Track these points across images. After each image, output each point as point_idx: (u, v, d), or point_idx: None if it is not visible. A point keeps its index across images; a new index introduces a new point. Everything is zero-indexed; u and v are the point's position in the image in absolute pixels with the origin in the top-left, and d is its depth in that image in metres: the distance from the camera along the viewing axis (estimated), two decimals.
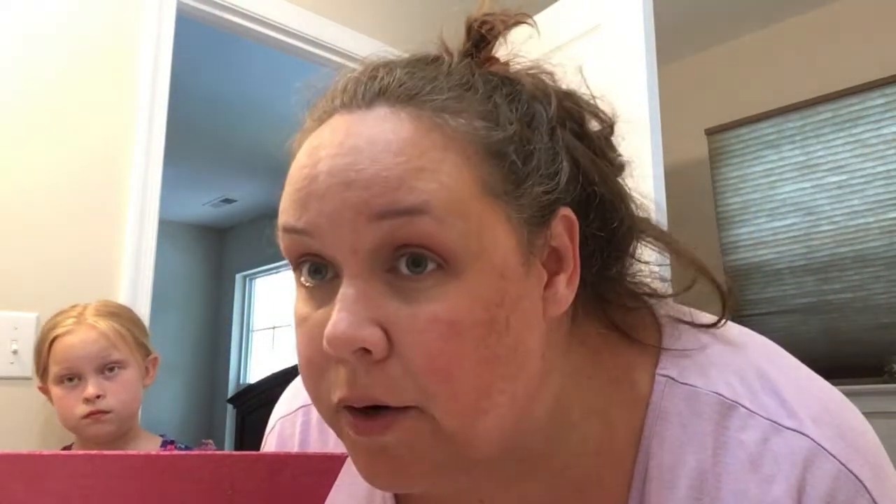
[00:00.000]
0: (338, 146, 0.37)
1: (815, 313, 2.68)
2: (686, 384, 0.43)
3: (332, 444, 0.52)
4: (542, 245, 0.40)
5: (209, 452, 0.47)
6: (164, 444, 1.24)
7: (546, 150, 0.40)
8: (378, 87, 0.39)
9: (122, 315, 1.23)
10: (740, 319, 3.31)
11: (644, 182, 1.78)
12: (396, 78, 0.39)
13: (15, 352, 1.36)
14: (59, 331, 1.18)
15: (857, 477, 0.38)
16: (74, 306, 1.24)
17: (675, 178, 2.77)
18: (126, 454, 0.42)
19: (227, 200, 5.75)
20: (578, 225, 0.41)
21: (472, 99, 0.39)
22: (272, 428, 0.57)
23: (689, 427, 0.42)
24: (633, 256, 0.46)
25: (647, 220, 0.47)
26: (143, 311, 1.52)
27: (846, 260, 2.64)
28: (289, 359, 5.71)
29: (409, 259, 0.36)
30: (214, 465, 0.45)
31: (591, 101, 0.45)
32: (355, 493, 0.50)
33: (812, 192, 2.75)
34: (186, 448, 1.26)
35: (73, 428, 1.18)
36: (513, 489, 0.44)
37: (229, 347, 6.10)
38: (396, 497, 0.49)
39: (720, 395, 0.42)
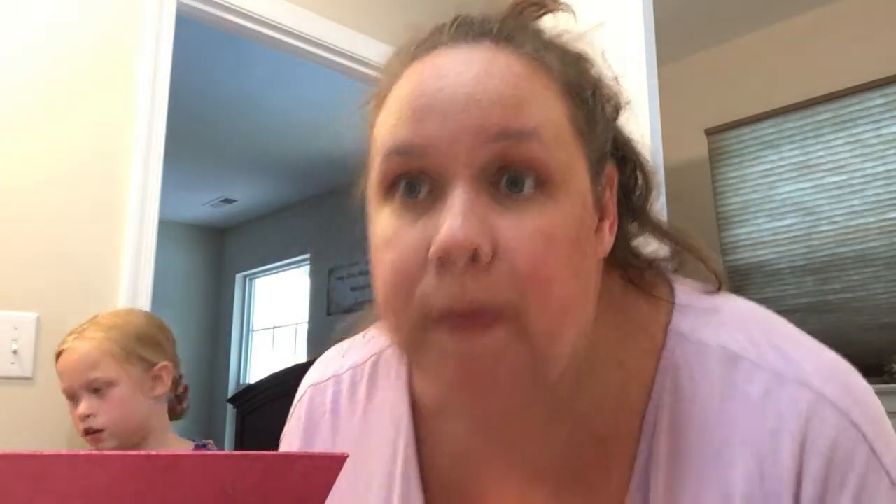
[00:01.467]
0: (456, 74, 0.40)
1: (815, 313, 2.68)
2: (696, 339, 0.45)
3: (359, 413, 0.54)
4: (600, 191, 0.44)
5: (209, 452, 0.47)
6: (197, 448, 1.24)
7: (601, 114, 0.45)
8: (481, 28, 0.43)
9: (120, 328, 1.21)
10: None
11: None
12: (495, 21, 0.43)
13: (15, 352, 1.36)
14: (61, 347, 1.20)
15: (858, 428, 0.40)
16: (93, 317, 1.25)
17: (675, 178, 2.77)
18: (126, 454, 0.42)
19: (227, 200, 5.75)
20: (619, 177, 0.46)
21: (555, 48, 0.44)
22: (301, 396, 0.58)
23: (697, 379, 0.43)
24: (648, 220, 0.50)
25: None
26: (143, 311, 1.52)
27: (846, 260, 2.64)
28: (288, 359, 5.72)
29: (510, 178, 0.39)
30: (214, 465, 0.45)
31: (615, 83, 0.49)
32: (382, 453, 0.52)
33: (812, 192, 2.75)
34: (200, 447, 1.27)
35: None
36: (539, 433, 0.46)
37: (229, 347, 6.10)
38: (420, 458, 0.50)
39: (727, 348, 0.44)
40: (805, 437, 0.40)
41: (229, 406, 4.98)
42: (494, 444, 0.48)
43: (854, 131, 2.68)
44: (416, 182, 0.40)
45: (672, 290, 0.49)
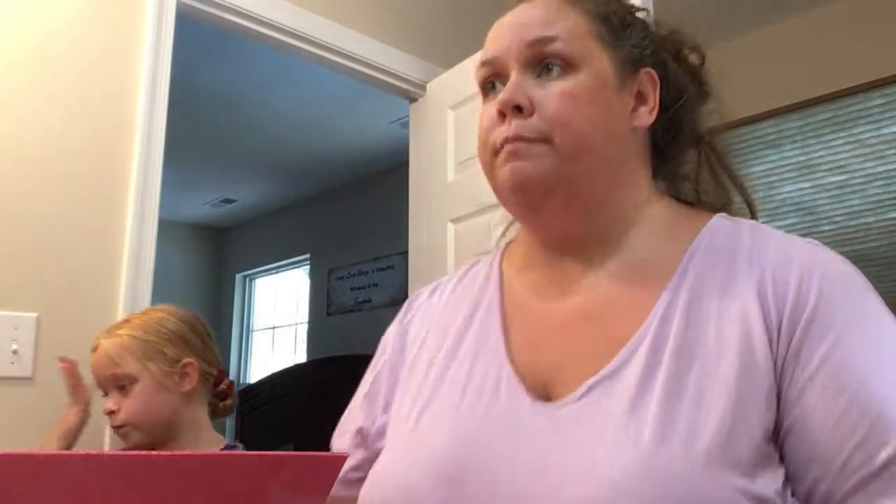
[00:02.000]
0: (514, 13, 0.67)
1: None
2: (734, 220, 0.66)
3: (454, 284, 0.77)
4: (631, 83, 0.66)
5: (209, 452, 0.47)
6: (225, 450, 1.23)
7: (638, 33, 0.68)
8: None
9: (145, 325, 1.22)
10: None
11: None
12: None
13: (15, 352, 1.36)
14: (93, 345, 1.22)
15: (860, 274, 0.59)
16: (127, 315, 1.28)
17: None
18: (126, 454, 0.42)
19: (227, 200, 5.75)
20: (658, 87, 0.67)
21: None
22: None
23: (731, 234, 0.63)
24: (682, 128, 0.71)
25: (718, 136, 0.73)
26: None
27: None
28: (288, 359, 5.72)
29: (544, 66, 0.63)
30: (214, 465, 0.45)
31: (685, 36, 0.74)
32: (473, 294, 0.72)
33: (812, 192, 2.75)
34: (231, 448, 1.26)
35: None
36: (597, 268, 0.65)
37: (229, 347, 6.10)
38: (501, 304, 0.69)
39: (756, 224, 0.66)
40: (812, 268, 0.57)
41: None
42: (564, 277, 0.66)
43: (854, 131, 2.67)
44: (494, 84, 0.67)
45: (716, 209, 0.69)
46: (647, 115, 0.66)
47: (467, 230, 2.00)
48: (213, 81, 3.59)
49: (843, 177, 2.68)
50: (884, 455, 0.49)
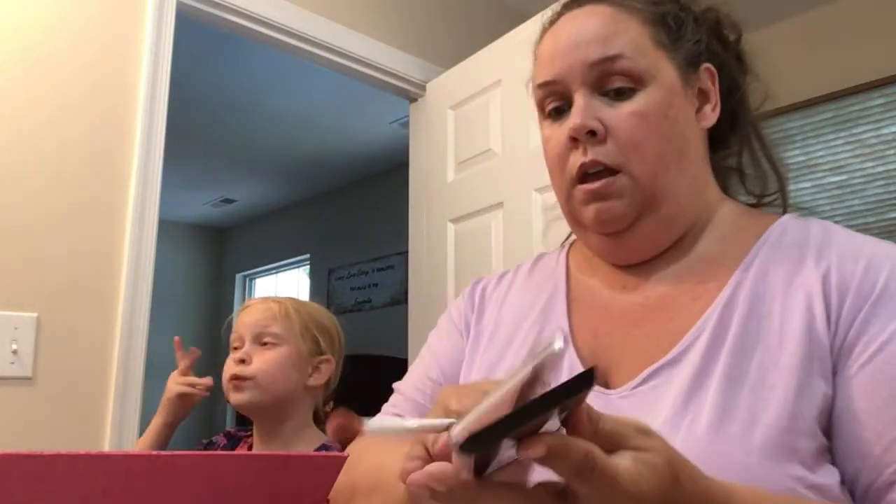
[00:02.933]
0: (568, 29, 0.64)
1: None
2: (803, 219, 0.65)
3: (523, 273, 0.77)
4: (694, 82, 0.65)
5: (209, 452, 0.47)
6: (320, 448, 1.18)
7: (692, 28, 0.65)
8: None
9: (307, 308, 1.25)
10: None
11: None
12: None
13: (15, 352, 1.36)
14: (244, 306, 1.23)
15: None
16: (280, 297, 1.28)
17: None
18: (126, 454, 0.42)
19: (227, 200, 5.75)
20: (719, 80, 0.66)
21: None
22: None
23: (800, 229, 0.62)
24: (739, 116, 0.70)
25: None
26: (143, 311, 1.52)
27: None
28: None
29: (611, 86, 0.61)
30: (214, 465, 0.45)
31: (725, 17, 0.71)
32: (543, 287, 0.72)
33: (812, 192, 2.75)
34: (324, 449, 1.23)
35: (224, 392, 1.20)
36: (668, 261, 0.65)
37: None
38: (568, 293, 0.70)
39: (825, 223, 0.63)
40: (881, 267, 0.56)
41: (229, 406, 4.97)
42: (635, 277, 0.66)
43: (854, 131, 2.67)
44: (559, 107, 0.64)
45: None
46: (711, 114, 0.65)
47: (467, 230, 2.00)
48: (214, 82, 3.58)
49: (843, 177, 2.68)
50: None
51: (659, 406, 0.54)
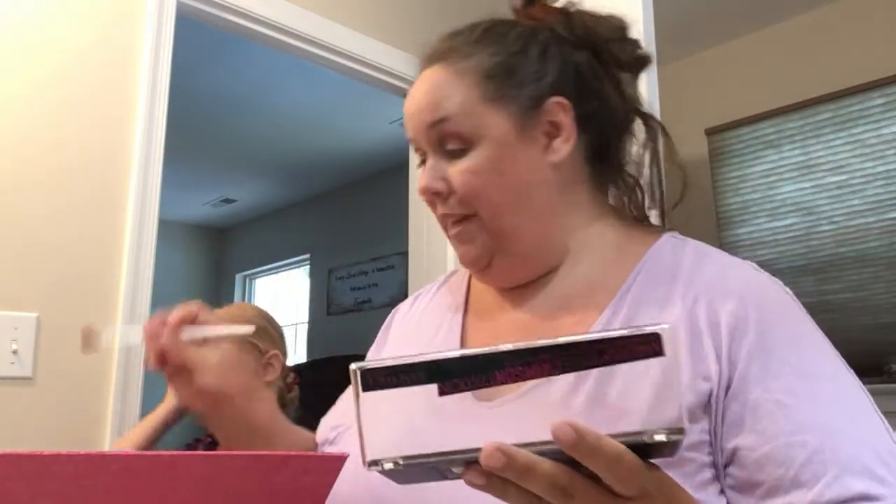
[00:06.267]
0: (413, 93, 0.68)
1: (815, 313, 2.64)
2: (681, 239, 0.67)
3: (432, 293, 0.82)
4: (538, 122, 0.66)
5: (209, 452, 0.47)
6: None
7: (533, 66, 0.66)
8: (428, 54, 0.69)
9: (233, 318, 1.25)
10: None
11: (643, 182, 1.75)
12: (436, 47, 0.69)
13: (15, 352, 1.36)
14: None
15: (791, 296, 0.62)
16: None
17: (675, 177, 2.76)
18: (126, 454, 0.42)
19: (227, 200, 5.75)
20: (575, 105, 0.66)
21: (478, 49, 0.67)
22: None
23: (676, 252, 0.65)
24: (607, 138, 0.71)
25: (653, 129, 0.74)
26: (143, 311, 1.52)
27: (846, 260, 2.64)
28: (288, 359, 5.70)
29: (449, 145, 0.65)
30: (214, 465, 0.45)
31: (616, 32, 0.72)
32: (436, 320, 0.76)
33: (812, 192, 2.75)
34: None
35: None
36: (550, 284, 0.68)
37: None
38: (466, 307, 0.74)
39: (700, 246, 0.66)
40: (749, 285, 0.60)
41: None
42: (518, 297, 0.70)
43: (854, 131, 2.67)
44: (422, 157, 0.69)
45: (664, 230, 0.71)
46: (563, 146, 0.66)
47: None
48: (213, 82, 3.59)
49: (843, 177, 2.68)
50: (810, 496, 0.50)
51: (529, 419, 0.55)
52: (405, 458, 0.35)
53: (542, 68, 0.66)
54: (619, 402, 0.51)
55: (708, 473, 0.54)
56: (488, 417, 0.56)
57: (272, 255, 6.03)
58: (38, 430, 1.35)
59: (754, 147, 2.93)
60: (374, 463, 0.36)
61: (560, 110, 0.66)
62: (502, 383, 0.37)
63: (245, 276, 6.35)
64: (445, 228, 0.69)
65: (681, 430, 0.34)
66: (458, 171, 0.64)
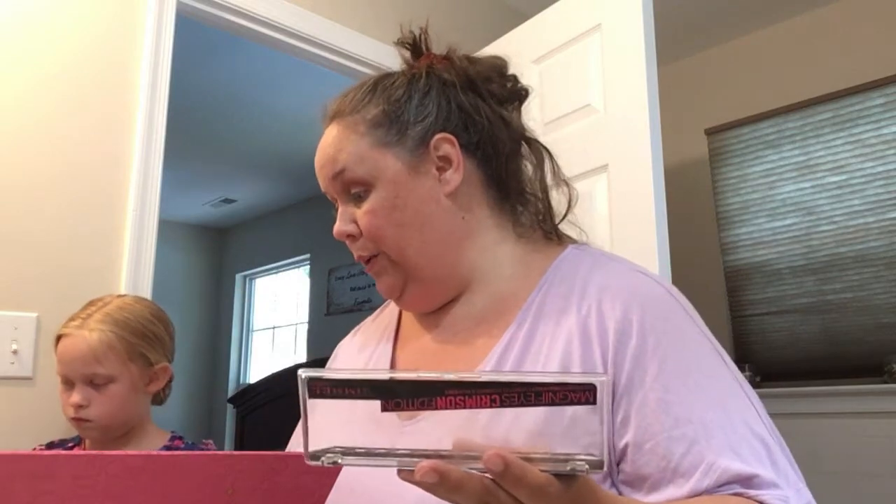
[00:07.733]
0: (318, 150, 0.75)
1: (815, 313, 2.68)
2: (582, 249, 0.73)
3: (372, 321, 0.89)
4: (429, 157, 0.71)
5: (209, 452, 0.47)
6: (172, 440, 1.24)
7: (415, 109, 0.72)
8: (328, 114, 0.76)
9: (128, 323, 1.19)
10: (741, 320, 3.24)
11: (644, 182, 1.76)
12: (333, 107, 0.75)
13: (15, 352, 1.36)
14: (63, 331, 1.18)
15: (675, 298, 0.65)
16: (94, 303, 1.22)
17: (675, 178, 2.76)
18: (126, 454, 0.42)
19: (227, 200, 5.75)
20: (461, 138, 0.72)
21: (365, 102, 0.73)
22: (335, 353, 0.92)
23: (575, 263, 0.71)
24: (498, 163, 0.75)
25: (540, 155, 0.77)
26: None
27: (846, 260, 2.64)
28: (288, 359, 5.71)
29: (352, 192, 0.72)
30: (214, 465, 0.45)
31: (493, 71, 0.77)
32: (378, 333, 0.83)
33: (812, 192, 2.75)
34: (192, 445, 1.25)
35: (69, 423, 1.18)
36: (464, 305, 0.74)
37: (229, 347, 6.09)
38: (398, 331, 0.81)
39: (599, 256, 0.72)
40: (629, 298, 0.63)
41: (229, 406, 4.97)
42: (438, 316, 0.75)
43: (854, 131, 2.67)
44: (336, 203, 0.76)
45: (572, 240, 0.77)
46: (454, 176, 0.71)
47: None
48: (214, 81, 3.58)
49: (843, 177, 2.68)
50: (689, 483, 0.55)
51: (439, 432, 0.57)
52: (344, 454, 0.39)
53: (424, 110, 0.72)
54: (535, 427, 0.54)
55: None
56: (410, 433, 0.62)
57: (272, 255, 6.02)
58: (38, 430, 1.35)
59: (754, 147, 2.93)
60: (315, 457, 0.39)
61: (446, 144, 0.71)
62: (442, 409, 0.39)
63: (245, 276, 6.35)
64: (364, 265, 0.75)
65: (601, 465, 0.37)
66: (362, 213, 0.71)
